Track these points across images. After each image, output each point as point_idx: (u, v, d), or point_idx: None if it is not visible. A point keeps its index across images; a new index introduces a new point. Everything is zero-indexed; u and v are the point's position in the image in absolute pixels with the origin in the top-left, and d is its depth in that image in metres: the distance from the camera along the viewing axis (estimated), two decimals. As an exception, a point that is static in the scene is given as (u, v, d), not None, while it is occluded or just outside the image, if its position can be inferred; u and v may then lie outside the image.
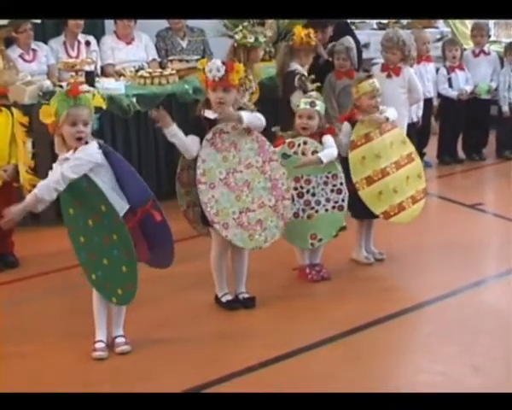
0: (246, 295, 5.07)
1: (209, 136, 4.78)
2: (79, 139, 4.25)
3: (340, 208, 5.33)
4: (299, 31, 6.69)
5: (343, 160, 5.54)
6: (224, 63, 4.82)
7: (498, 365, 4.27)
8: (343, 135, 5.60)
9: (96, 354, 4.41)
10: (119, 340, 4.51)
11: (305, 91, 6.44)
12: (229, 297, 5.03)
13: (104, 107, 4.65)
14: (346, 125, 5.61)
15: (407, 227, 5.78)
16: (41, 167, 6.09)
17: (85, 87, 4.37)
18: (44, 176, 6.05)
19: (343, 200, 5.32)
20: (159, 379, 4.18)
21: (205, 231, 5.09)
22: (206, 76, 4.80)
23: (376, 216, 5.60)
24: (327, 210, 5.32)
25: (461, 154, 8.68)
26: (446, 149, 8.56)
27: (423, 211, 7.06)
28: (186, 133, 4.81)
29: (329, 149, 5.29)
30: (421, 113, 7.98)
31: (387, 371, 4.32)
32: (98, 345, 4.44)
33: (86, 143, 4.29)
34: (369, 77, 5.74)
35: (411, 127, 7.73)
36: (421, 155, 8.29)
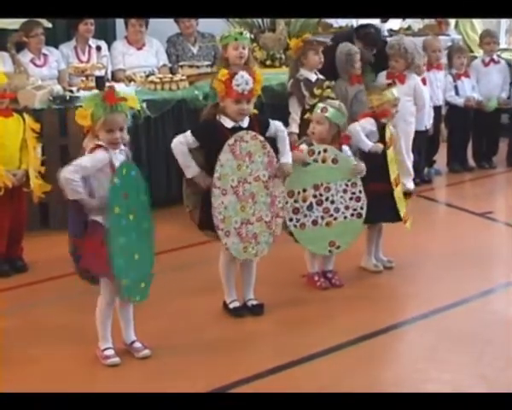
0: (254, 302, 5.06)
1: (231, 141, 4.74)
2: (115, 144, 4.29)
3: (359, 216, 5.33)
4: (292, 42, 6.82)
5: (372, 157, 5.51)
6: (249, 74, 4.79)
7: (506, 375, 4.25)
8: (368, 124, 5.55)
9: (110, 360, 4.40)
10: (138, 345, 4.52)
11: (299, 98, 6.50)
12: (236, 304, 5.02)
13: (138, 108, 4.67)
14: (371, 120, 5.57)
15: (416, 235, 5.77)
16: (51, 172, 6.12)
17: (121, 93, 4.37)
18: (54, 181, 6.10)
19: (361, 207, 5.32)
20: (163, 386, 4.16)
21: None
22: (234, 89, 4.72)
23: (393, 220, 5.59)
24: (345, 217, 5.31)
25: (471, 162, 8.64)
26: (456, 157, 8.52)
27: (433, 219, 7.13)
28: (195, 132, 4.83)
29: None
30: (431, 121, 7.98)
31: (395, 380, 4.30)
32: (109, 352, 4.43)
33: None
34: (390, 85, 5.79)
35: (422, 135, 7.75)
36: (432, 162, 8.30)
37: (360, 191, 5.31)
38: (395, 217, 5.56)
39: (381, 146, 5.50)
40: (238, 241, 4.82)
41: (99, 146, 4.28)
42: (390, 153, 5.52)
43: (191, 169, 4.81)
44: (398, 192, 5.54)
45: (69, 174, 4.21)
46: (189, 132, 4.85)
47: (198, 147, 4.83)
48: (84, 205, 4.26)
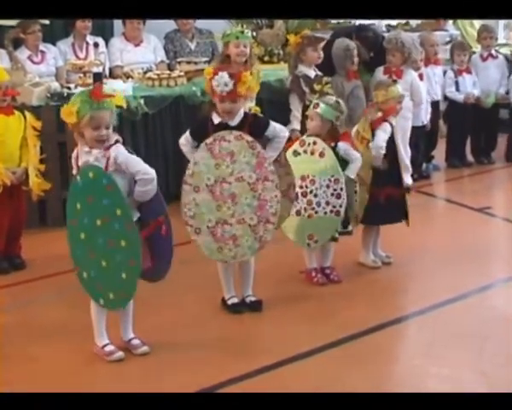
0: (253, 299, 5.06)
1: (209, 140, 4.71)
2: (101, 142, 4.25)
3: (337, 213, 5.25)
4: (292, 39, 6.84)
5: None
6: (230, 75, 4.73)
7: (506, 371, 4.24)
8: (387, 135, 5.54)
9: (115, 356, 4.39)
10: (136, 342, 4.50)
11: (299, 94, 6.50)
12: (235, 300, 5.02)
13: (125, 105, 4.61)
14: (387, 126, 5.56)
15: (414, 231, 5.76)
16: (49, 169, 6.11)
17: (108, 89, 4.38)
18: (53, 178, 6.11)
19: (340, 205, 5.24)
20: (162, 383, 4.17)
21: None
22: (213, 89, 4.74)
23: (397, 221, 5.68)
24: (325, 213, 5.26)
25: (469, 157, 8.64)
26: (455, 153, 8.52)
27: (432, 214, 7.12)
28: (192, 132, 4.85)
29: (353, 165, 5.31)
30: (429, 116, 7.98)
31: (394, 376, 4.31)
32: (109, 348, 4.43)
33: (114, 143, 4.30)
34: (395, 82, 5.81)
35: (419, 130, 7.74)
36: (430, 158, 8.30)
37: (341, 189, 5.24)
38: (405, 217, 5.65)
39: (384, 164, 5.54)
40: (211, 240, 4.76)
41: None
42: None
43: None
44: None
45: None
46: (187, 133, 4.89)
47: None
48: None
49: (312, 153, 5.26)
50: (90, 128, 4.21)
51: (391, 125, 5.59)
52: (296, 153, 5.26)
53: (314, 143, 5.26)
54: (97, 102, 4.21)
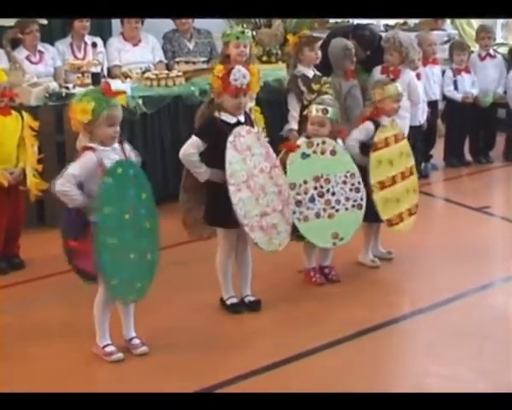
0: (251, 299, 5.06)
1: (231, 138, 4.73)
2: (115, 138, 4.29)
3: (359, 207, 5.31)
4: (291, 39, 6.82)
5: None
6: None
7: (505, 369, 4.25)
8: (361, 134, 5.55)
9: (114, 357, 4.40)
10: (136, 341, 4.51)
11: (297, 94, 6.48)
12: (234, 300, 5.02)
13: (125, 105, 4.64)
14: (369, 125, 5.57)
15: (413, 230, 5.75)
16: (47, 169, 6.09)
17: (117, 86, 4.41)
18: (50, 179, 6.08)
19: (361, 198, 5.31)
20: (160, 382, 4.17)
21: (203, 234, 5.06)
22: (231, 83, 4.72)
23: (381, 221, 5.59)
24: (347, 209, 5.29)
25: (468, 156, 8.65)
26: (453, 152, 8.52)
27: (431, 214, 7.12)
28: (200, 134, 4.82)
29: None
30: (425, 115, 7.98)
31: (394, 375, 4.31)
32: (110, 348, 4.43)
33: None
34: (393, 80, 5.79)
35: (416, 130, 7.74)
36: (428, 157, 8.30)
37: (359, 182, 5.30)
38: (376, 218, 5.56)
39: (366, 161, 5.50)
40: (262, 234, 4.81)
41: (87, 148, 4.27)
42: (376, 155, 5.49)
43: (204, 173, 4.80)
44: (388, 193, 5.52)
45: (62, 187, 4.22)
46: (194, 138, 4.81)
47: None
48: (84, 207, 4.25)
49: (323, 152, 5.25)
50: (106, 125, 4.24)
51: (377, 123, 5.57)
52: (304, 155, 5.23)
53: (323, 142, 5.25)
54: (113, 99, 4.26)
